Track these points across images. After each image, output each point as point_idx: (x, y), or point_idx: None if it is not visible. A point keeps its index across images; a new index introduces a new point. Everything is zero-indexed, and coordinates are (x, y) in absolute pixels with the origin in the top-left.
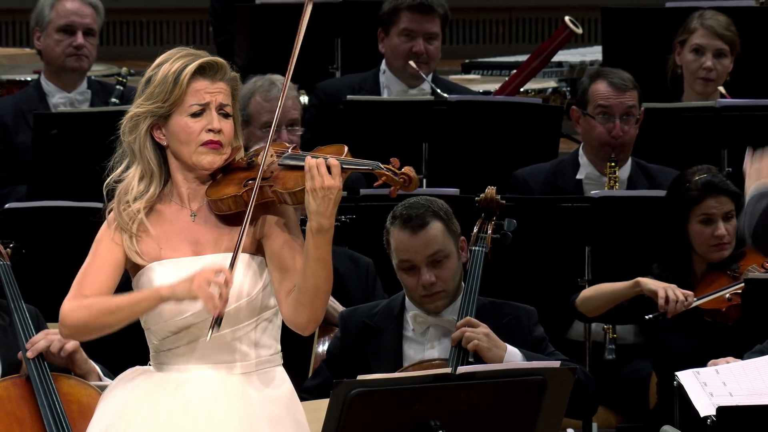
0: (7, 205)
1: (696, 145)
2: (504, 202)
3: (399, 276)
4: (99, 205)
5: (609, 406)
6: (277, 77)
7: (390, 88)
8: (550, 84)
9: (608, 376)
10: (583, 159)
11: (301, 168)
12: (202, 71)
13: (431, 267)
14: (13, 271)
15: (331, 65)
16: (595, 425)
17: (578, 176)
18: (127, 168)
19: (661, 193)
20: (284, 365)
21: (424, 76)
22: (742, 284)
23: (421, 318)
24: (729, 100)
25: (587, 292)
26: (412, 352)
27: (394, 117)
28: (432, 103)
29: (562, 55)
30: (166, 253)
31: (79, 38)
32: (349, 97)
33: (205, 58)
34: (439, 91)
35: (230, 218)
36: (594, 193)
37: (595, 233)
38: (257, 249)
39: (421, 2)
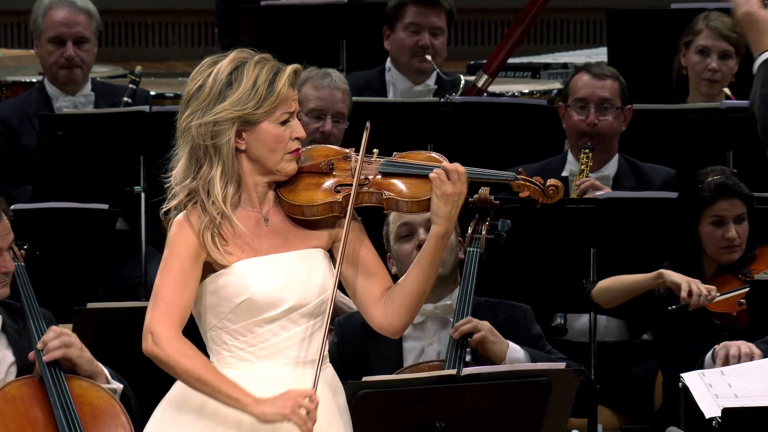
0: (12, 207)
1: (701, 147)
2: (498, 202)
3: (397, 251)
4: (104, 206)
5: (614, 407)
6: (332, 70)
7: (396, 84)
8: (555, 85)
9: (613, 377)
10: (569, 156)
11: (412, 176)
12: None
13: (424, 233)
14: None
15: (336, 66)
16: (600, 426)
17: (563, 173)
18: (200, 169)
19: (667, 194)
20: None
21: (435, 66)
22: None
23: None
24: (734, 102)
25: (604, 283)
26: (412, 350)
27: (398, 118)
28: (437, 104)
29: (568, 57)
30: (246, 254)
31: (69, 49)
32: (353, 98)
33: (293, 65)
34: (443, 75)
35: (303, 222)
36: (599, 194)
37: (600, 234)
38: (327, 247)
39: None
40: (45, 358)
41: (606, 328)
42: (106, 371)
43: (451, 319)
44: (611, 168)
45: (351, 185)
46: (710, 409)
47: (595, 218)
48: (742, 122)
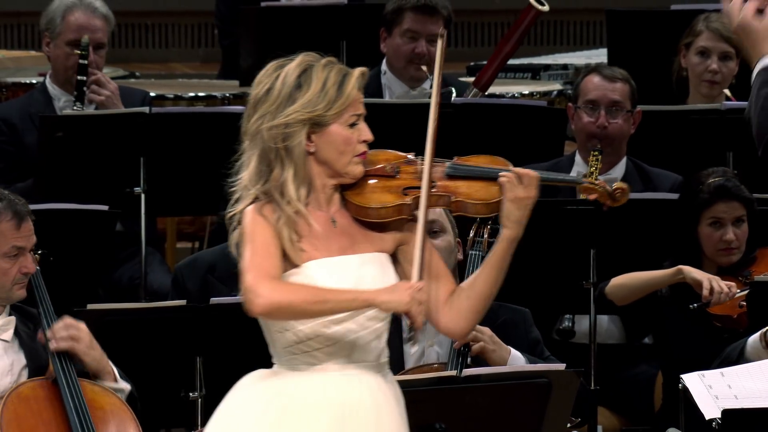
0: None
1: (701, 148)
2: None
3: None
4: (104, 207)
5: (614, 408)
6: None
7: (391, 89)
8: (555, 87)
9: (613, 379)
10: (577, 157)
11: (479, 179)
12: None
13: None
14: (42, 277)
15: None
16: (600, 428)
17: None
18: (271, 172)
19: (667, 195)
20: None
21: (429, 75)
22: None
23: None
24: (734, 103)
25: (618, 279)
26: (413, 352)
27: (398, 119)
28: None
29: (568, 58)
30: (318, 254)
31: (90, 55)
32: None
33: (360, 68)
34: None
35: (369, 225)
36: None
37: (600, 236)
38: (390, 251)
39: (425, 3)
40: (51, 347)
41: (607, 331)
42: (115, 371)
43: None
44: (619, 171)
45: (418, 188)
46: (710, 410)
47: (595, 219)
48: (742, 123)
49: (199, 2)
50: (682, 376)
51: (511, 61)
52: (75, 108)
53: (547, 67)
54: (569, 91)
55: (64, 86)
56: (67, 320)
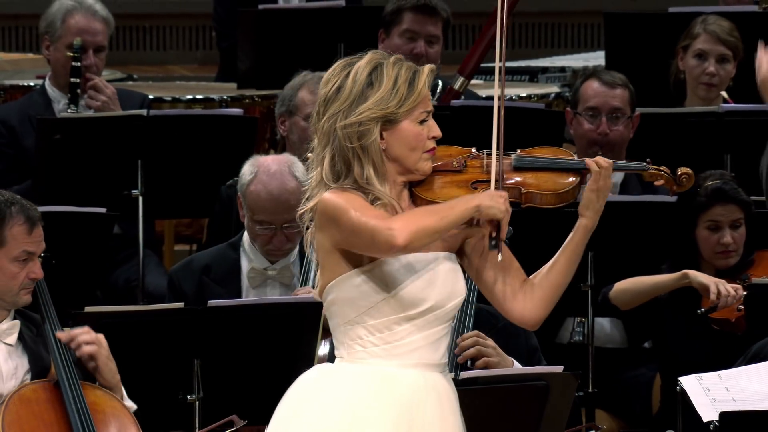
0: None
1: (699, 151)
2: None
3: None
4: (102, 210)
5: (612, 411)
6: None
7: None
8: (553, 89)
9: (611, 382)
10: None
11: (547, 170)
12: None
13: None
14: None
15: None
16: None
17: None
18: (349, 172)
19: (665, 198)
20: (287, 367)
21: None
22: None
23: None
24: (732, 105)
25: (623, 284)
26: None
27: None
28: (435, 108)
29: (565, 61)
30: None
31: (90, 58)
32: None
33: (429, 65)
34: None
35: None
36: None
37: (597, 238)
38: (456, 249)
39: (425, 3)
40: (78, 352)
41: (608, 336)
42: (123, 391)
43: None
44: (618, 175)
45: (487, 181)
46: (708, 413)
47: None
48: (739, 126)
49: (197, 5)
50: (680, 378)
51: (508, 64)
52: (69, 110)
53: (544, 70)
54: (567, 94)
55: (63, 89)
56: (87, 328)
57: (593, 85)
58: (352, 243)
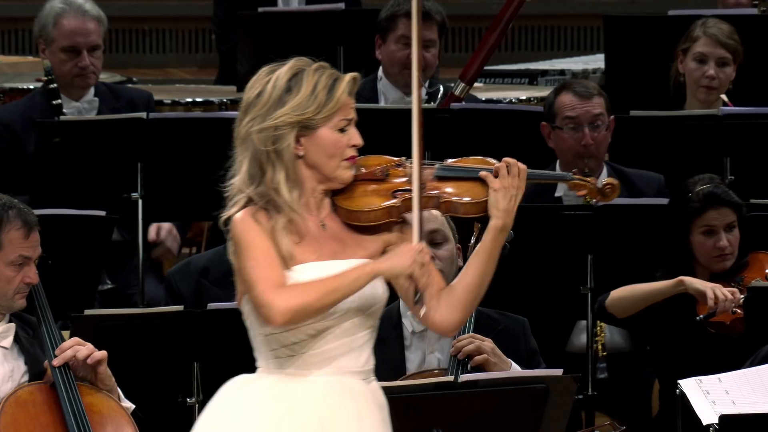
0: None
1: (699, 154)
2: None
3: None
4: (101, 213)
5: (612, 414)
6: None
7: (387, 95)
8: None
9: (611, 384)
10: (559, 171)
11: (468, 179)
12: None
13: (429, 246)
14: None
15: None
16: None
17: (557, 194)
18: (263, 175)
19: (664, 201)
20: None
21: (424, 86)
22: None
23: None
24: (732, 108)
25: (619, 292)
26: (414, 358)
27: (395, 125)
28: (434, 111)
29: (565, 64)
30: (309, 257)
31: (85, 59)
32: None
33: (352, 73)
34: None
35: (359, 229)
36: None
37: (597, 241)
38: (377, 255)
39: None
40: (89, 360)
41: (611, 342)
42: (119, 391)
43: None
44: (601, 177)
45: (408, 190)
46: (708, 415)
47: (592, 225)
48: (739, 129)
49: (197, 7)
50: (680, 381)
51: (508, 67)
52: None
53: (544, 73)
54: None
55: (64, 90)
56: (76, 339)
57: (568, 97)
58: (244, 285)
